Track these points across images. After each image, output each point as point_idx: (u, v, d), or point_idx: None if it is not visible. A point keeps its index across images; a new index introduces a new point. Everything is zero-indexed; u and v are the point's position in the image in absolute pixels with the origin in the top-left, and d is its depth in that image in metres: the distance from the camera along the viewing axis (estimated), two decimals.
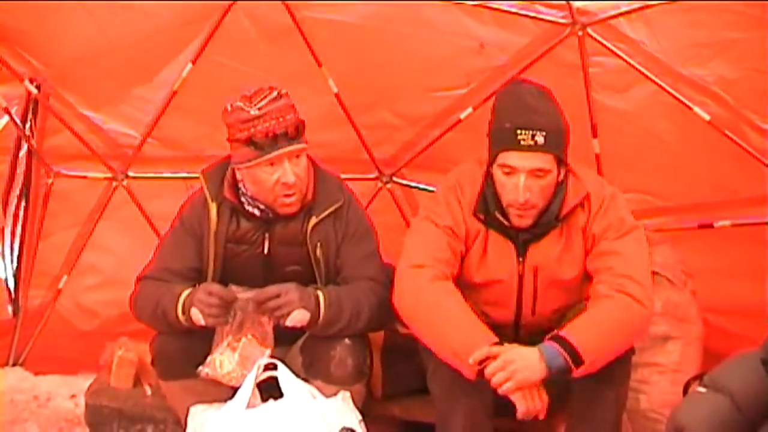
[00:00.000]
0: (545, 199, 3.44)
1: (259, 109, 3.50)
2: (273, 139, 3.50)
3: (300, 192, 3.62)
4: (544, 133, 3.32)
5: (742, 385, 2.78)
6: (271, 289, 3.47)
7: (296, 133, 3.53)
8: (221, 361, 3.48)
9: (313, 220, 3.66)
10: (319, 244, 3.66)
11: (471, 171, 3.59)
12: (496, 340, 3.25)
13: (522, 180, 3.35)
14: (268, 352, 3.47)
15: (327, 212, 3.68)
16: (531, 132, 3.31)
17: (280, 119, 3.50)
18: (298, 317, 3.47)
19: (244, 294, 3.49)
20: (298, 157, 3.57)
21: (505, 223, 3.48)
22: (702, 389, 2.91)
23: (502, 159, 3.38)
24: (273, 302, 3.45)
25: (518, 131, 3.32)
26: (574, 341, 3.21)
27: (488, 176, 3.51)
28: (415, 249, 3.51)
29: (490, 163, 3.46)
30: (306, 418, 3.28)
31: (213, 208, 3.68)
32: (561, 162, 3.43)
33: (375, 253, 3.76)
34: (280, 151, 3.52)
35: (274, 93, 3.54)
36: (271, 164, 3.54)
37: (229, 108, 3.56)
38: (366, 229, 3.78)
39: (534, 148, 3.32)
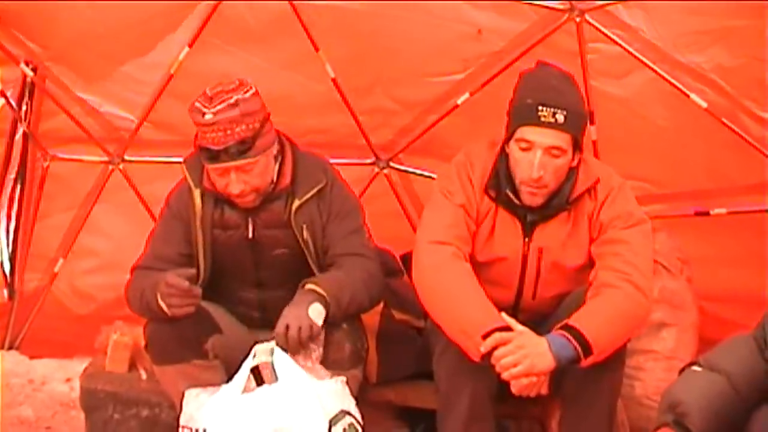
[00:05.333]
0: (558, 180, 3.44)
1: (213, 114, 3.44)
2: (216, 153, 3.48)
3: (256, 193, 3.60)
4: (564, 113, 3.34)
5: (737, 365, 2.78)
6: (281, 330, 3.38)
7: (242, 147, 3.48)
8: None
9: (296, 203, 3.66)
10: (305, 226, 3.66)
11: (482, 150, 3.60)
12: (506, 324, 3.25)
13: (538, 156, 3.36)
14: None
15: (310, 194, 3.67)
16: (552, 110, 3.33)
17: (228, 132, 3.45)
18: (316, 313, 3.41)
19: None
20: (245, 171, 3.54)
21: (515, 201, 3.49)
22: (697, 368, 2.91)
23: (520, 134, 3.39)
24: (294, 332, 3.36)
25: (540, 107, 3.33)
26: (585, 331, 3.22)
27: (501, 154, 3.52)
28: (434, 224, 3.52)
29: (507, 140, 3.47)
30: (302, 402, 3.27)
31: (197, 195, 3.67)
32: (577, 146, 3.44)
33: (360, 229, 3.75)
34: (221, 165, 3.52)
35: (233, 98, 3.47)
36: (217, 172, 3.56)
37: (192, 105, 3.52)
38: (350, 206, 3.77)
39: (554, 125, 3.34)
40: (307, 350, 3.44)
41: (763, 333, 2.81)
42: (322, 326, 3.42)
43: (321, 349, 3.48)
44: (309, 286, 3.48)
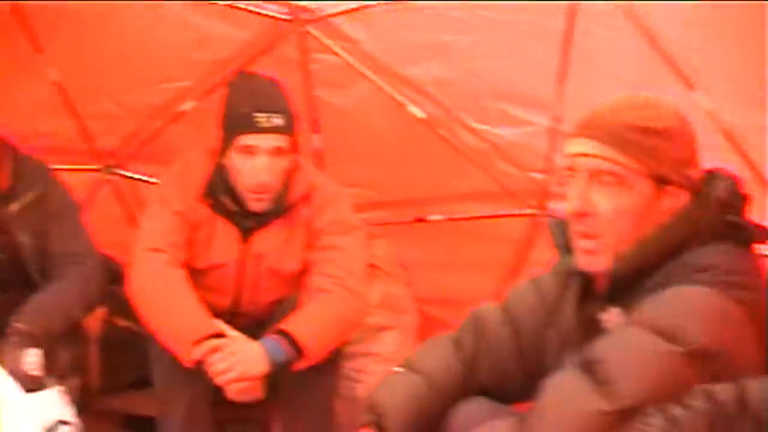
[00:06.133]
0: (281, 182, 3.51)
1: None
2: None
3: None
4: (281, 116, 3.42)
5: (435, 365, 2.88)
6: None
7: None
8: None
9: (14, 207, 3.59)
10: (22, 231, 3.59)
11: (200, 157, 3.62)
12: (218, 331, 3.29)
13: (262, 161, 3.42)
14: None
15: (29, 198, 3.61)
16: (268, 114, 3.40)
17: None
18: (32, 363, 3.30)
19: None
20: None
21: (233, 208, 3.53)
22: (399, 369, 3.02)
23: (240, 141, 3.43)
24: None
25: (255, 114, 3.39)
26: (297, 335, 3.29)
27: (218, 164, 3.54)
28: (150, 231, 3.53)
29: (224, 150, 3.50)
30: (13, 414, 3.19)
31: None
32: (294, 149, 3.52)
33: (80, 230, 3.72)
34: None
35: None
36: None
37: None
38: (69, 208, 3.73)
39: (273, 129, 3.41)
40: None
41: (460, 335, 2.94)
42: (42, 370, 3.33)
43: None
44: (16, 324, 3.37)
